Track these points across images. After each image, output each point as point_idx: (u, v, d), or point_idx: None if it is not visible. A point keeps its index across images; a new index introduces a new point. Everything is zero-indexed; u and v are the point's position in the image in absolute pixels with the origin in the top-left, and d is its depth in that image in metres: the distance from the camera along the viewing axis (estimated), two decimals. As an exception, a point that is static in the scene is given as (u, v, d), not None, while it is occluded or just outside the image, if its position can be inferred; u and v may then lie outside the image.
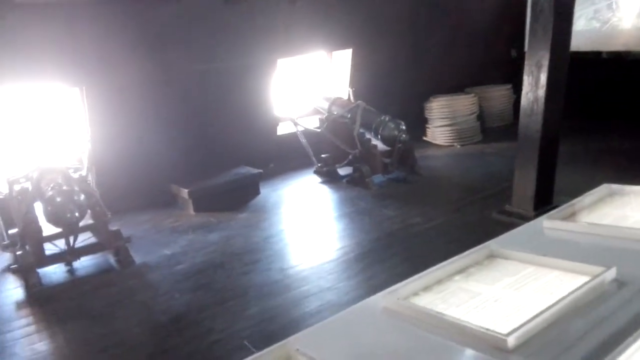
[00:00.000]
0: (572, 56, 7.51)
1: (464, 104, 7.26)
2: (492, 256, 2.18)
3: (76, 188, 4.12)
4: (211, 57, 5.82)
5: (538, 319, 1.31)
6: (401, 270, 3.69)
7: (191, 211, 5.38)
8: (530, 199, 4.50)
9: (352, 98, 7.14)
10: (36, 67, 4.71)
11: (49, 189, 3.98)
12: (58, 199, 3.86)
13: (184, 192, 5.38)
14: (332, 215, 5.13)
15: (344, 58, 7.19)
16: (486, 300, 1.51)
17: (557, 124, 4.42)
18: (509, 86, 7.97)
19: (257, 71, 6.27)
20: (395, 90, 7.50)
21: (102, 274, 4.13)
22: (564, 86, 4.37)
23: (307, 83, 7.16)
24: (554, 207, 2.71)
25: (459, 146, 7.13)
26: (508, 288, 1.60)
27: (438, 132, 7.32)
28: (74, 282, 4.02)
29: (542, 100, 4.26)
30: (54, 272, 4.13)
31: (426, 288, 1.63)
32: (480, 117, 7.62)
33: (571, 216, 2.83)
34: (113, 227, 4.31)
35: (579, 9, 7.67)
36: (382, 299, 1.50)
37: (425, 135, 7.52)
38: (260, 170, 5.88)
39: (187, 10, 5.49)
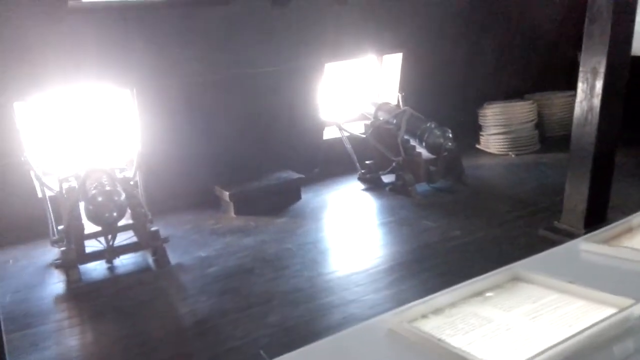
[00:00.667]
0: (634, 61, 6.96)
1: (521, 111, 6.88)
2: (516, 279, 2.06)
3: (119, 188, 4.28)
4: (258, 60, 5.87)
5: (547, 354, 1.19)
6: (432, 286, 3.51)
7: (232, 214, 5.45)
8: (581, 215, 4.17)
9: (401, 103, 6.97)
10: (91, 69, 4.94)
11: (92, 188, 4.16)
12: (99, 199, 4.03)
13: (226, 195, 5.45)
14: (370, 224, 5.01)
15: (394, 62, 7.03)
16: (497, 328, 1.40)
17: (613, 135, 4.07)
18: (572, 92, 7.42)
19: (304, 75, 6.26)
20: (448, 95, 7.24)
21: (138, 272, 4.25)
22: (622, 94, 4.02)
23: (356, 87, 7.06)
24: (607, 225, 2.52)
25: (513, 155, 6.77)
26: (524, 316, 1.48)
27: (492, 140, 6.99)
28: (112, 279, 4.17)
29: (597, 110, 3.94)
30: (95, 269, 4.30)
31: (438, 310, 1.53)
32: (540, 125, 7.20)
33: (614, 239, 2.61)
34: (153, 228, 4.43)
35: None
36: (389, 320, 1.42)
37: (479, 143, 7.20)
38: (302, 175, 5.85)
39: (235, 14, 5.57)
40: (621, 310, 1.40)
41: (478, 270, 1.72)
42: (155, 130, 5.55)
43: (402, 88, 6.99)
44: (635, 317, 1.45)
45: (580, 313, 1.48)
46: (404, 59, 6.88)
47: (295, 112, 6.29)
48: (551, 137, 7.36)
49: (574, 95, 7.45)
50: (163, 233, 4.50)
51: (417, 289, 3.55)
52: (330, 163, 6.60)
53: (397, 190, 5.71)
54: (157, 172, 5.37)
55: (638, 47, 6.97)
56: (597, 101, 3.92)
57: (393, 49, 6.83)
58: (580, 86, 4.05)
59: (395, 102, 6.98)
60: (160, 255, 4.32)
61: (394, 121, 5.95)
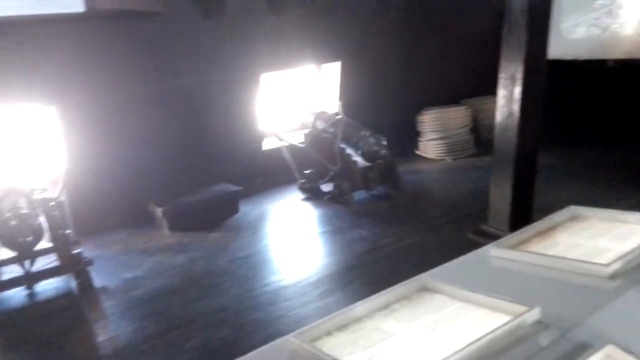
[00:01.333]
0: (572, 65, 7.23)
1: (456, 116, 7.02)
2: (423, 289, 2.08)
3: (36, 210, 4.07)
4: (191, 72, 5.75)
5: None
6: (361, 296, 3.48)
7: (166, 231, 5.29)
8: (506, 218, 4.25)
9: (341, 112, 6.98)
10: (9, 87, 4.70)
11: (7, 211, 3.93)
12: (13, 222, 3.81)
13: (158, 211, 5.29)
14: (306, 235, 4.96)
15: (333, 71, 7.04)
16: (397, 342, 1.40)
17: (533, 139, 4.17)
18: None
19: (241, 86, 6.18)
20: (388, 102, 7.31)
21: (60, 298, 4.05)
22: (541, 100, 4.13)
23: (295, 97, 7.03)
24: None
25: (450, 160, 6.89)
26: (425, 328, 1.49)
27: (430, 146, 7.09)
28: (30, 307, 3.95)
29: (516, 115, 4.03)
30: (13, 297, 4.06)
31: (342, 327, 1.53)
32: (475, 129, 7.36)
33: (522, 243, 2.67)
34: (77, 250, 4.23)
35: (578, 16, 7.36)
36: (291, 340, 1.39)
37: (418, 149, 7.30)
38: (240, 188, 5.75)
39: (166, 26, 5.43)
40: (515, 317, 1.42)
41: (404, 278, 1.77)
42: (84, 147, 5.33)
43: (342, 97, 7.01)
44: (527, 324, 1.48)
45: (479, 322, 1.50)
46: (343, 68, 6.90)
47: (233, 123, 6.19)
48: (486, 140, 7.52)
49: (508, 99, 7.77)
50: (90, 254, 4.32)
51: (344, 300, 3.51)
52: (271, 173, 6.53)
53: (335, 199, 5.70)
54: (87, 191, 5.16)
55: (574, 53, 7.34)
56: (516, 107, 4.02)
57: (331, 58, 6.84)
58: (501, 92, 4.14)
59: (336, 111, 7.00)
60: (83, 279, 4.13)
61: (331, 130, 5.94)
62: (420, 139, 7.24)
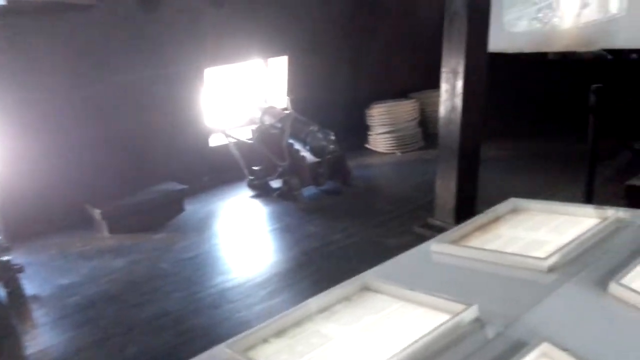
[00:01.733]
0: (516, 58, 7.40)
1: (405, 110, 7.06)
2: (365, 289, 2.04)
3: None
4: (130, 68, 5.50)
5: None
6: (308, 295, 3.41)
7: (106, 233, 5.04)
8: (451, 211, 4.29)
9: (290, 107, 6.88)
10: None
11: None
12: None
13: (97, 213, 5.04)
14: (253, 233, 4.84)
15: (281, 65, 6.93)
16: (336, 346, 1.36)
17: (476, 133, 4.22)
18: (453, 90, 7.79)
19: (184, 81, 5.96)
20: (337, 97, 7.26)
21: (-14, 309, 3.76)
22: (483, 93, 4.18)
23: (242, 92, 6.87)
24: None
25: (399, 154, 6.92)
26: (364, 330, 1.45)
27: (379, 140, 7.10)
28: (-47, 320, 3.65)
29: (459, 109, 4.06)
30: None
31: (281, 332, 1.45)
32: (423, 122, 7.43)
33: (464, 238, 2.65)
34: (6, 257, 3.96)
35: (521, 9, 7.54)
36: (226, 349, 1.30)
37: (368, 143, 7.30)
38: (184, 186, 5.57)
39: (100, 20, 5.16)
40: (453, 316, 1.41)
41: (353, 274, 1.73)
42: (15, 148, 4.99)
43: (291, 91, 6.91)
44: (466, 322, 1.47)
45: (417, 322, 1.48)
46: (290, 62, 6.79)
47: (177, 119, 5.97)
48: (434, 133, 7.60)
49: (455, 93, 7.89)
50: (22, 261, 4.05)
51: (291, 301, 3.44)
52: (219, 170, 6.36)
53: (284, 195, 5.60)
54: (19, 194, 4.84)
55: (517, 46, 7.52)
56: (459, 101, 4.04)
57: (277, 52, 6.72)
58: (443, 87, 4.15)
59: (284, 106, 6.89)
60: (13, 287, 3.87)
61: (279, 125, 5.83)
62: (370, 133, 7.24)
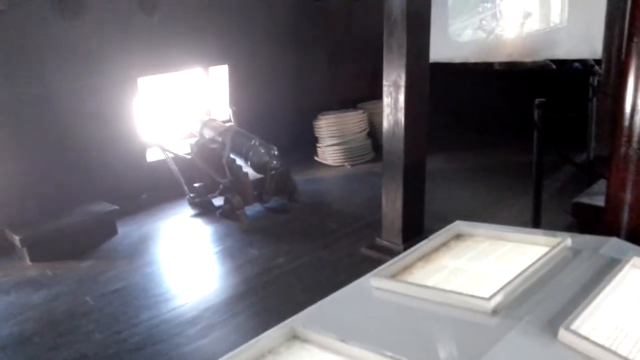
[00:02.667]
0: (462, 68, 7.38)
1: (353, 120, 6.88)
2: (294, 337, 1.82)
3: None
4: (52, 78, 5.06)
5: None
6: (243, 333, 3.15)
7: (28, 261, 4.57)
8: (399, 230, 4.10)
9: (232, 118, 6.58)
10: None
11: None
12: None
13: (16, 239, 4.56)
14: (190, 259, 4.49)
15: (222, 75, 6.61)
16: None
17: (421, 147, 4.05)
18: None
19: (115, 91, 5.55)
20: (283, 108, 7.02)
21: None
22: (426, 106, 4.02)
23: (181, 103, 6.50)
24: (424, 238, 2.49)
25: (349, 166, 6.73)
26: None
27: (328, 152, 6.88)
28: None
29: (402, 124, 3.87)
30: None
31: None
32: (372, 133, 7.27)
33: (405, 270, 2.47)
34: None
35: (465, 19, 7.55)
36: None
37: (317, 155, 7.07)
38: (116, 207, 5.15)
39: (17, 26, 4.72)
40: None
41: (296, 304, 1.67)
42: None
43: (233, 103, 6.60)
44: None
45: None
46: (231, 72, 6.49)
47: (108, 133, 5.54)
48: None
49: (403, 102, 7.80)
50: None
51: (223, 339, 3.14)
52: (159, 187, 5.96)
53: (227, 214, 5.28)
54: None
55: (463, 55, 7.54)
56: (401, 115, 3.86)
57: (217, 61, 6.40)
58: (385, 100, 3.97)
59: (226, 118, 6.58)
60: None
61: (220, 139, 5.51)
62: (319, 144, 7.02)
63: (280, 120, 6.92)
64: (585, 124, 4.51)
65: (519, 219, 4.22)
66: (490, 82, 7.46)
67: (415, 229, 4.15)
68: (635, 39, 2.52)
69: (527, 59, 6.82)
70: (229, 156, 5.31)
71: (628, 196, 2.68)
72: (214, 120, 6.03)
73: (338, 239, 4.55)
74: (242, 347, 1.63)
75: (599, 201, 3.14)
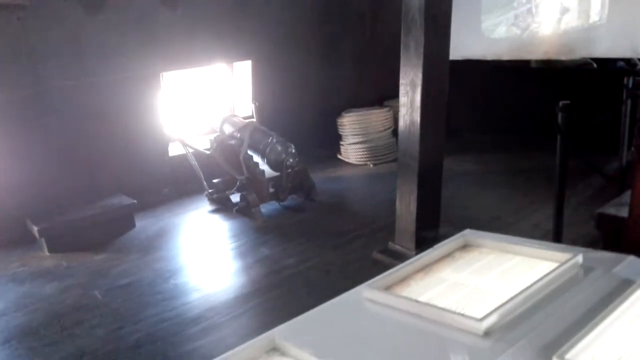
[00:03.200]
0: (498, 65, 7.08)
1: (377, 119, 6.71)
2: (274, 349, 1.78)
3: None
4: (76, 72, 5.13)
5: None
6: (244, 334, 3.08)
7: (46, 252, 4.66)
8: (412, 235, 3.94)
9: (254, 114, 6.55)
10: None
11: None
12: None
13: (35, 230, 4.66)
14: (200, 257, 4.46)
15: (246, 71, 6.56)
16: None
17: (438, 149, 3.87)
18: (430, 98, 7.46)
19: (138, 86, 5.58)
20: (307, 104, 6.92)
21: None
22: (444, 107, 3.83)
23: (204, 98, 6.50)
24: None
25: (372, 165, 6.57)
26: None
27: (351, 150, 6.75)
28: None
29: (417, 125, 3.71)
30: None
31: None
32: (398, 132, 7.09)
33: (402, 281, 2.35)
34: None
35: (499, 14, 7.22)
36: None
37: (340, 154, 6.95)
38: (134, 201, 5.18)
39: (38, 19, 4.80)
40: None
41: (298, 309, 1.64)
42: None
43: (256, 98, 6.55)
44: None
45: None
46: (254, 67, 6.44)
47: (131, 127, 5.59)
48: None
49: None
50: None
51: (222, 341, 3.08)
52: (180, 182, 5.99)
53: (243, 211, 5.24)
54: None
55: (495, 53, 7.24)
56: (417, 115, 3.70)
57: (240, 56, 6.36)
58: (402, 100, 3.81)
59: (247, 114, 6.55)
60: None
61: (238, 135, 5.46)
62: (342, 142, 6.89)
63: (304, 117, 6.83)
64: (619, 129, 4.22)
65: (542, 227, 4.00)
66: (527, 80, 7.14)
67: (429, 235, 3.98)
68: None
69: (564, 57, 6.45)
70: (246, 153, 5.26)
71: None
72: (235, 116, 6.00)
73: (351, 241, 4.43)
74: (218, 358, 1.59)
75: (626, 212, 2.90)
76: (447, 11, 3.60)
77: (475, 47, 7.42)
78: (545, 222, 4.07)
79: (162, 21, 5.49)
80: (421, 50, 3.53)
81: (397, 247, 4.07)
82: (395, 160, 6.73)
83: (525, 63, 7.14)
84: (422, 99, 3.62)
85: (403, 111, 3.80)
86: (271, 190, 5.35)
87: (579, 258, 2.21)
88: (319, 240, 4.49)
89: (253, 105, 6.54)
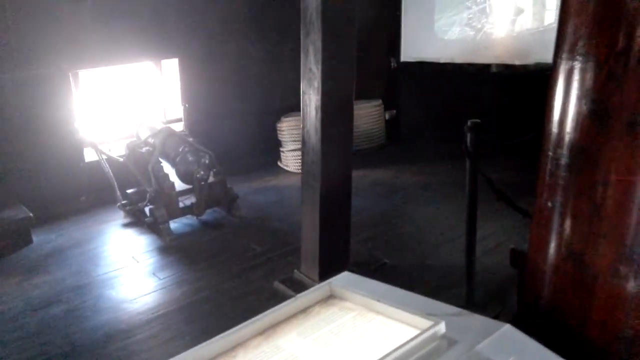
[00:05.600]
0: (457, 69, 6.61)
1: (319, 124, 6.20)
2: None
3: None
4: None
5: None
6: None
7: None
8: (316, 263, 3.46)
9: (184, 118, 6.03)
10: None
11: None
12: None
13: None
14: (84, 283, 3.89)
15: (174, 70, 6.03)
16: None
17: (344, 165, 3.38)
18: (379, 102, 7.00)
19: (44, 85, 5.04)
20: (245, 107, 6.42)
21: None
22: (350, 120, 3.34)
23: (128, 99, 5.96)
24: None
25: (309, 174, 6.07)
26: None
27: (290, 157, 6.25)
28: None
29: (318, 138, 3.22)
30: None
31: None
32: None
33: (232, 349, 1.90)
34: None
35: (452, 14, 6.77)
36: None
37: (280, 161, 6.45)
38: (30, 215, 4.64)
39: None
40: None
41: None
42: None
43: (186, 100, 6.03)
44: None
45: None
46: (182, 66, 5.90)
47: (38, 130, 5.06)
48: (358, 150, 6.83)
49: (380, 105, 7.09)
50: None
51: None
52: (99, 190, 5.46)
53: (152, 227, 4.73)
54: None
55: (448, 55, 6.78)
56: (318, 124, 3.20)
57: (165, 54, 5.82)
58: (303, 111, 3.31)
59: (171, 117, 6.04)
60: None
61: (152, 141, 4.94)
62: (282, 149, 6.39)
63: (241, 121, 6.32)
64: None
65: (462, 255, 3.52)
66: (487, 85, 6.67)
67: (337, 263, 3.50)
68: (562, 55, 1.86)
69: (518, 62, 6.03)
70: (156, 162, 4.73)
71: (548, 263, 1.99)
72: (152, 119, 5.46)
73: (257, 266, 3.94)
74: None
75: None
76: (350, 9, 3.10)
77: (429, 48, 6.99)
78: (456, 254, 3.59)
79: (67, 13, 4.94)
80: (320, 55, 3.03)
81: (302, 277, 3.59)
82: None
83: (486, 67, 6.68)
84: (323, 111, 3.12)
85: (303, 120, 3.30)
86: (187, 203, 4.85)
87: (441, 327, 1.77)
88: (223, 265, 3.99)
89: (183, 107, 6.02)
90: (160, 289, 3.71)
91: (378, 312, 2.00)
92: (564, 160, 1.77)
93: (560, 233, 1.85)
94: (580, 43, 1.70)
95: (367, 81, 7.32)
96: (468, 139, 2.70)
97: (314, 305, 2.14)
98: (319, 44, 3.01)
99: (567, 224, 1.82)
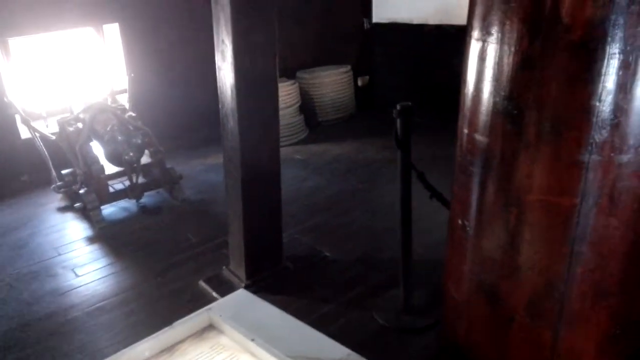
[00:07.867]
0: (430, 31, 6.05)
1: (280, 93, 5.64)
2: None
3: None
4: None
5: None
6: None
7: None
8: (242, 261, 3.06)
9: (129, 88, 5.51)
10: None
11: None
12: None
13: None
14: (3, 282, 3.53)
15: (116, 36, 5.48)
16: None
17: (269, 153, 2.93)
18: (347, 67, 6.45)
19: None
20: (196, 76, 5.87)
21: None
22: (274, 100, 2.87)
23: (66, 69, 5.44)
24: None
25: (271, 149, 5.61)
26: None
27: (248, 130, 5.76)
28: None
29: (235, 119, 2.75)
30: None
31: None
32: (309, 109, 6.13)
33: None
34: None
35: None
36: None
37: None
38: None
39: None
40: None
41: None
42: None
43: (131, 70, 5.50)
44: None
45: None
46: (123, 32, 5.35)
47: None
48: (325, 121, 6.35)
49: (349, 71, 6.55)
50: None
51: None
52: (41, 169, 5.03)
53: (84, 212, 4.32)
54: None
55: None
56: (234, 106, 2.73)
57: (105, 18, 5.26)
58: (219, 87, 2.84)
59: (115, 89, 5.53)
60: None
61: (82, 117, 4.46)
62: (240, 121, 5.89)
63: (191, 91, 5.80)
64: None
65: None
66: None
67: (267, 259, 3.11)
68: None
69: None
70: (85, 142, 4.27)
71: (461, 292, 1.58)
72: (88, 93, 4.96)
73: (186, 260, 3.54)
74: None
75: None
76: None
77: (401, 8, 6.40)
78: (425, 251, 3.18)
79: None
80: (230, 27, 2.53)
81: (230, 275, 3.19)
82: (302, 141, 5.84)
83: (461, 30, 6.12)
84: (238, 89, 2.65)
85: (221, 104, 2.83)
86: (126, 184, 4.43)
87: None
88: (149, 259, 3.59)
89: (128, 77, 5.49)
90: (73, 289, 3.31)
91: (252, 355, 1.61)
92: (475, 170, 1.32)
93: (473, 260, 1.42)
94: (493, 15, 1.23)
95: (336, 44, 6.76)
96: (398, 125, 2.24)
97: (184, 339, 1.74)
98: (228, 11, 2.50)
99: (480, 249, 1.39)
